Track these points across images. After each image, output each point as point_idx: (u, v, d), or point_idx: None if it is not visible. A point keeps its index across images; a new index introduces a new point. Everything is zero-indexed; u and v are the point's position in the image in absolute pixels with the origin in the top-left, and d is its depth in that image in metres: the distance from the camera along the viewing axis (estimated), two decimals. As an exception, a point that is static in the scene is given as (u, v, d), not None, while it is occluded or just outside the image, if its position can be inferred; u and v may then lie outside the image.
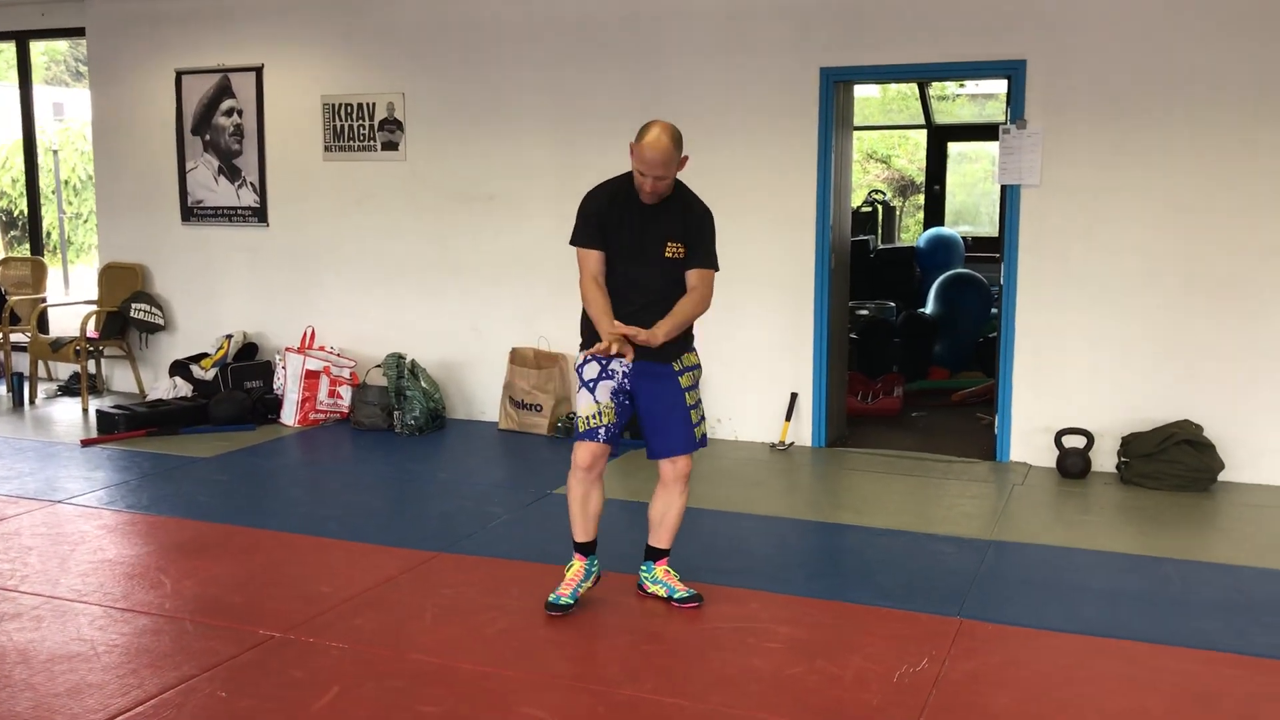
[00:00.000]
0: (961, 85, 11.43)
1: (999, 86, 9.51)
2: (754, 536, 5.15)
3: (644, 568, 4.30)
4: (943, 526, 5.20)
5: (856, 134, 7.67)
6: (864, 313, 8.89)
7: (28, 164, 9.26)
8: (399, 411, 7.08)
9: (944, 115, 11.23)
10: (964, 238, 10.07)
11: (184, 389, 7.61)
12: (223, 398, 7.31)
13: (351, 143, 7.62)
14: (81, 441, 6.83)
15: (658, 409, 4.09)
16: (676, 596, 4.20)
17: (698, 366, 4.19)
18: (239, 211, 8.04)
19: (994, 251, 6.93)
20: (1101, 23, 5.95)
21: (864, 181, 14.23)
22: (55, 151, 15.95)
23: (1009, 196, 6.25)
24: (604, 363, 4.01)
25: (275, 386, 7.54)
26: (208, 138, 8.06)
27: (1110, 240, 6.04)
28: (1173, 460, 5.74)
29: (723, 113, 6.66)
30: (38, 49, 11.23)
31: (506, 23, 7.13)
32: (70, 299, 12.53)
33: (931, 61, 6.34)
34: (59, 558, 4.74)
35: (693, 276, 4.01)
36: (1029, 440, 6.30)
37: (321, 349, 7.57)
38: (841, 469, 6.31)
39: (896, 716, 3.35)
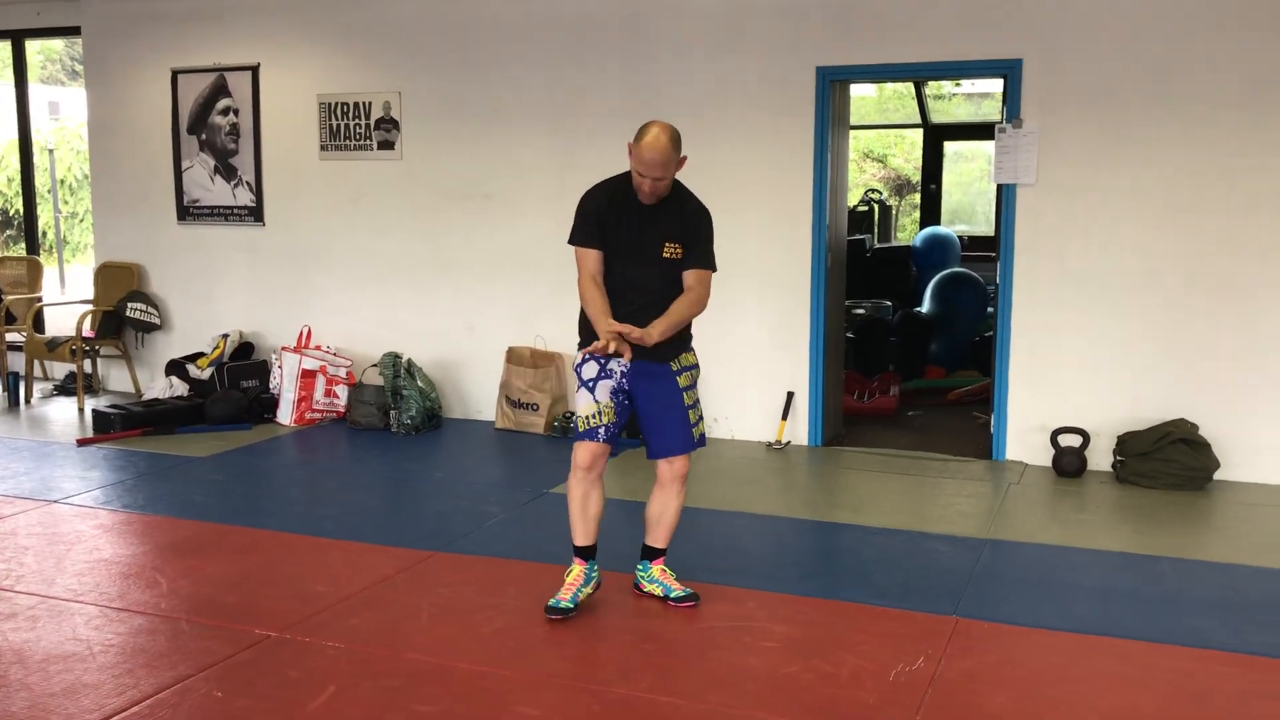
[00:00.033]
0: (957, 84, 11.44)
1: (995, 85, 9.52)
2: (750, 535, 5.16)
3: (640, 567, 4.30)
4: (939, 525, 5.21)
5: (853, 133, 7.67)
6: (860, 312, 8.90)
7: (23, 163, 9.25)
8: (395, 411, 7.08)
9: (940, 114, 11.24)
10: (960, 237, 10.08)
11: (180, 388, 7.61)
12: (219, 397, 7.30)
13: (348, 142, 7.62)
14: (77, 441, 6.82)
15: (655, 409, 4.09)
16: (673, 596, 4.20)
17: (696, 366, 4.19)
18: (235, 211, 8.03)
19: (990, 250, 6.94)
20: (1096, 22, 5.96)
21: (860, 180, 14.23)
22: (51, 151, 15.94)
23: (1005, 195, 6.26)
24: (602, 362, 4.00)
25: (271, 386, 7.54)
26: (204, 137, 8.06)
27: (1106, 239, 6.05)
28: (1168, 459, 5.74)
29: (719, 112, 6.67)
30: (33, 48, 11.21)
31: (503, 22, 7.13)
32: (66, 298, 12.52)
33: (927, 60, 6.34)
34: (55, 557, 4.74)
35: (689, 277, 4.01)
36: (1025, 439, 6.30)
37: (318, 348, 7.57)
38: (838, 468, 6.32)
39: (892, 715, 3.35)
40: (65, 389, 8.35)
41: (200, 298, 8.18)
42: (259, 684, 3.56)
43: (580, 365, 4.06)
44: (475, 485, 5.97)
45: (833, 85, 6.52)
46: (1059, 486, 5.90)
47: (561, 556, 4.55)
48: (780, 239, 6.63)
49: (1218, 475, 5.84)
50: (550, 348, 7.14)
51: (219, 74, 7.93)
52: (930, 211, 10.80)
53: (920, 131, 10.99)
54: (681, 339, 4.09)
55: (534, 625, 4.00)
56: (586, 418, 4.02)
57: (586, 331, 4.07)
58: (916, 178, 12.65)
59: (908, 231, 12.68)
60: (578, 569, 4.11)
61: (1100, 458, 6.10)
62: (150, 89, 8.15)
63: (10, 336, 8.49)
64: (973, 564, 4.67)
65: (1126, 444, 5.90)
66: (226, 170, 8.01)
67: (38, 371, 8.73)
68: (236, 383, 7.53)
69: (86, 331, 8.12)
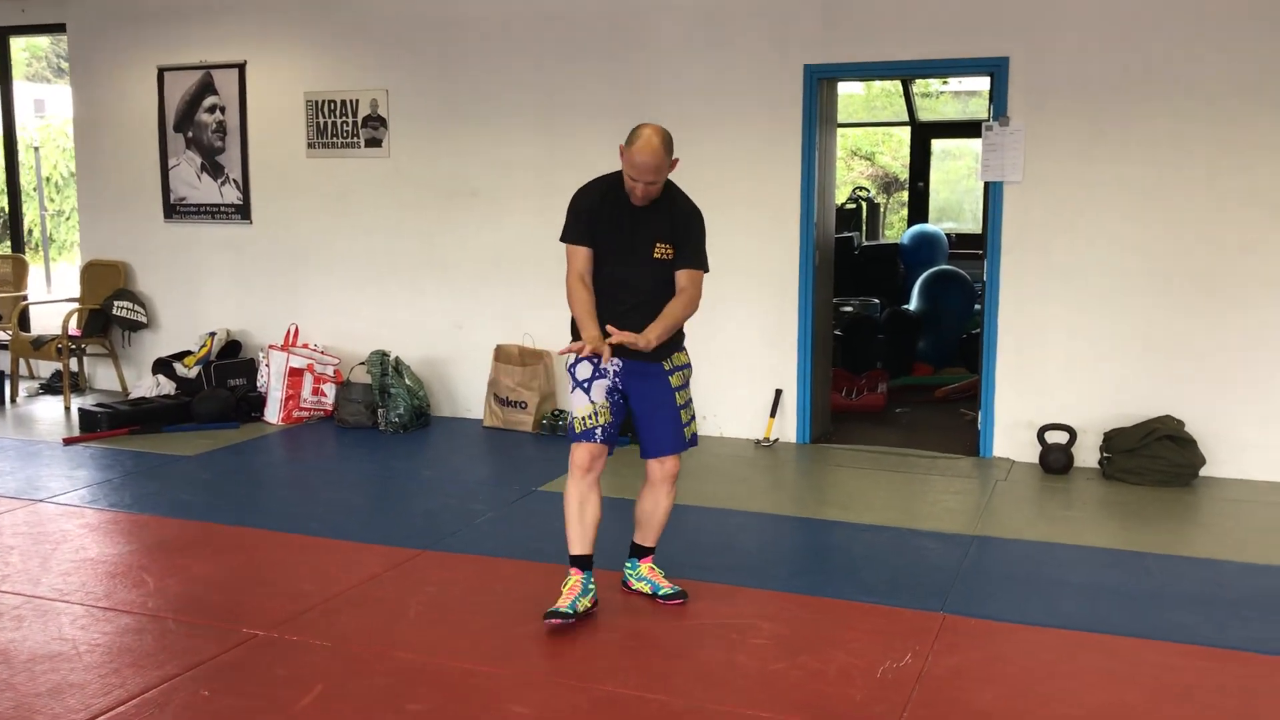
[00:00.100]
0: (945, 82, 11.47)
1: (982, 83, 9.53)
2: (739, 533, 5.16)
3: (629, 564, 4.30)
4: (926, 522, 5.22)
5: (840, 131, 7.69)
6: (848, 309, 8.91)
7: (8, 161, 9.21)
8: (383, 409, 7.07)
9: (927, 112, 11.26)
10: (947, 234, 10.11)
11: (167, 387, 7.58)
12: (206, 396, 7.28)
13: (335, 140, 7.60)
14: (64, 440, 6.80)
15: (647, 408, 4.07)
16: (661, 593, 4.20)
17: (688, 366, 4.18)
18: (222, 209, 8.01)
19: (977, 248, 6.96)
20: (1082, 21, 5.98)
21: (848, 178, 14.25)
22: (36, 148, 15.86)
23: (992, 193, 6.27)
24: (596, 362, 3.98)
25: (259, 384, 7.52)
26: (190, 135, 8.03)
27: (1092, 236, 6.07)
28: (1155, 456, 5.77)
29: (706, 109, 6.67)
30: (18, 45, 11.15)
31: (490, 19, 7.12)
32: (52, 297, 12.47)
33: (915, 59, 6.35)
34: (40, 557, 4.72)
35: (682, 277, 3.99)
36: (1012, 436, 6.32)
37: (305, 346, 7.55)
38: (826, 465, 6.33)
39: (880, 712, 3.36)
40: (51, 388, 8.31)
41: (187, 296, 8.16)
42: (246, 683, 3.55)
43: (574, 366, 4.03)
44: (463, 483, 5.96)
45: (820, 83, 6.53)
46: (1046, 483, 5.92)
47: (550, 554, 4.56)
48: (768, 236, 6.64)
49: (1203, 471, 5.86)
50: (538, 346, 7.14)
51: (205, 71, 7.90)
52: (918, 209, 10.82)
53: (908, 129, 11.01)
54: (674, 338, 4.08)
55: (522, 623, 3.99)
56: (583, 418, 3.99)
57: (578, 332, 4.06)
58: (904, 175, 12.67)
59: (895, 229, 12.70)
60: (574, 579, 4.01)
61: (1087, 454, 6.12)
62: (136, 86, 8.12)
63: (-4, 335, 8.46)
64: (960, 561, 4.68)
65: (1113, 440, 5.93)
66: (213, 168, 7.99)
67: (23, 370, 8.68)
68: (224, 381, 7.51)
69: (73, 330, 8.09)
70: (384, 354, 7.17)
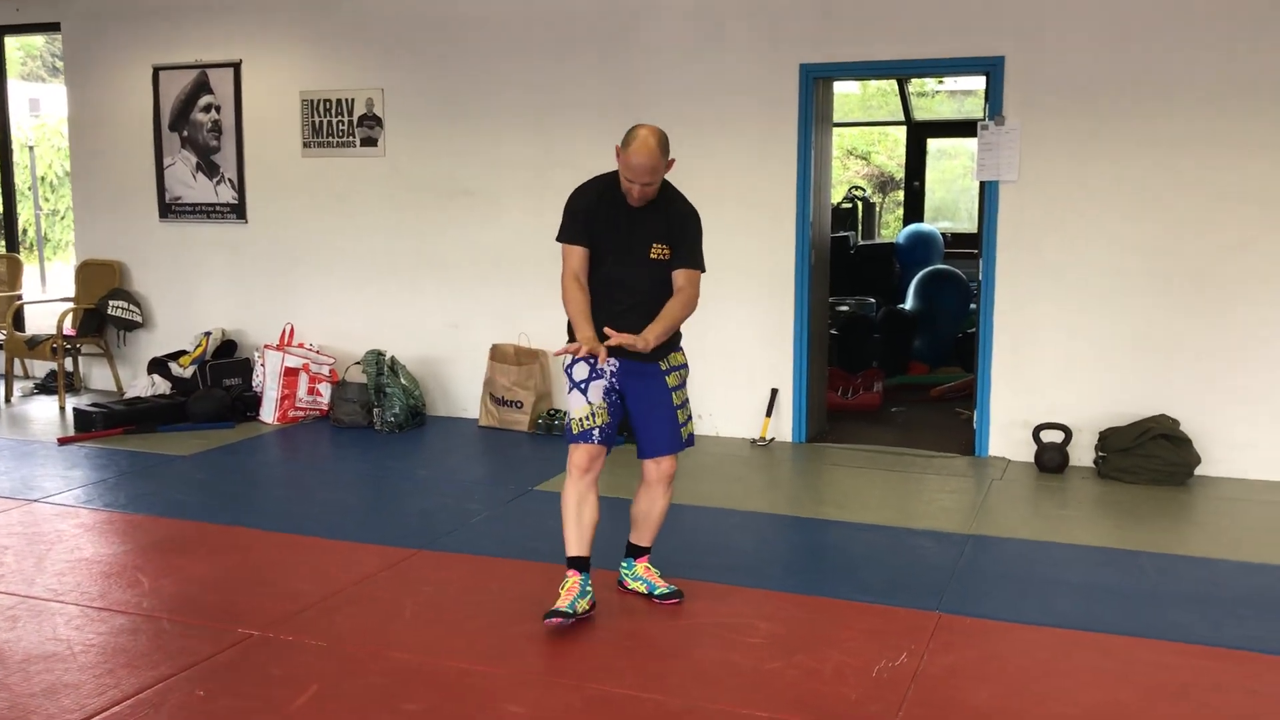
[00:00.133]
0: (940, 82, 11.47)
1: (977, 83, 9.54)
2: (735, 532, 5.16)
3: (624, 564, 4.30)
4: (922, 521, 5.23)
5: (836, 130, 7.69)
6: (844, 308, 8.92)
7: (3, 160, 9.18)
8: (379, 408, 7.06)
9: (923, 111, 11.26)
10: (943, 234, 10.11)
11: (162, 387, 7.57)
12: (201, 395, 7.27)
13: (330, 139, 7.59)
14: (58, 440, 6.79)
15: (643, 408, 4.06)
16: (657, 593, 4.19)
17: (685, 366, 4.17)
18: (217, 208, 8.00)
19: (973, 247, 6.96)
20: (1078, 20, 5.99)
21: (844, 178, 14.26)
22: (31, 148, 15.83)
23: (987, 193, 6.28)
24: (593, 362, 3.97)
25: (254, 384, 7.51)
26: (185, 134, 8.02)
27: (1088, 236, 6.08)
28: (1150, 455, 5.78)
29: (702, 109, 6.67)
30: (13, 44, 11.13)
31: (486, 18, 7.12)
32: (47, 296, 12.44)
33: (910, 58, 6.36)
34: (35, 557, 4.71)
35: (679, 277, 3.98)
36: (1007, 435, 6.33)
37: (301, 346, 7.54)
38: (822, 464, 6.33)
39: (875, 711, 3.36)
40: (46, 387, 8.30)
41: (182, 295, 8.15)
42: (241, 683, 3.55)
43: (571, 366, 4.02)
44: (459, 483, 5.96)
45: (816, 82, 6.53)
46: (1041, 482, 5.92)
47: (546, 554, 4.56)
48: (764, 236, 6.64)
49: (1199, 470, 5.87)
50: (534, 345, 7.13)
51: (201, 71, 7.89)
52: (913, 208, 10.83)
53: (903, 129, 11.01)
54: (671, 339, 4.07)
55: (518, 622, 3.99)
56: (580, 419, 3.97)
57: (575, 333, 4.04)
58: (900, 175, 12.68)
59: (891, 228, 12.71)
60: (572, 580, 3.97)
61: (1082, 453, 6.13)
62: (131, 86, 8.10)
63: (-10, 335, 8.44)
64: (956, 560, 4.69)
65: (1108, 440, 5.93)
66: (208, 167, 7.98)
67: (18, 370, 8.67)
68: (219, 381, 7.50)
69: (68, 330, 8.08)
70: (379, 353, 7.16)
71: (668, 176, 3.99)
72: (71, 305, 8.21)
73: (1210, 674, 3.64)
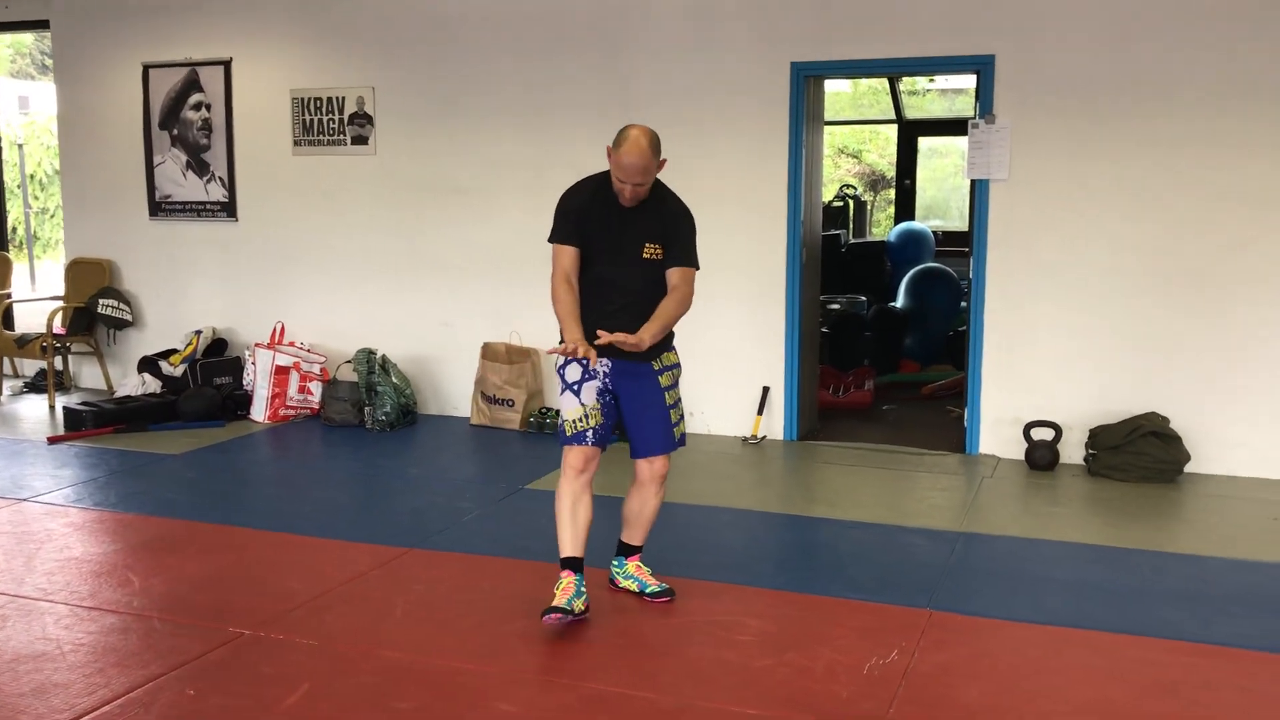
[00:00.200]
0: (931, 80, 11.49)
1: (968, 81, 9.56)
2: (726, 530, 5.17)
3: (615, 563, 4.30)
4: (913, 519, 5.24)
5: (827, 129, 7.69)
6: (835, 307, 8.92)
7: (-8, 158, 9.16)
8: (370, 407, 7.05)
9: (914, 110, 11.28)
10: (934, 232, 10.13)
11: (153, 385, 7.55)
12: (192, 394, 7.26)
13: (321, 137, 7.58)
14: (48, 439, 6.76)
15: (636, 408, 4.05)
16: (648, 591, 4.19)
17: (677, 365, 4.17)
18: (208, 206, 7.98)
19: (964, 246, 6.98)
20: (1068, 18, 6.00)
21: (835, 176, 14.28)
22: (20, 145, 15.78)
23: (978, 191, 6.29)
24: (585, 363, 3.96)
25: (245, 382, 7.50)
26: (175, 132, 7.99)
27: (1078, 234, 6.09)
28: (1140, 452, 5.79)
29: (694, 107, 6.67)
30: (2, 42, 11.09)
31: (476, 16, 7.11)
32: (37, 295, 12.41)
33: (901, 56, 6.36)
34: (24, 556, 4.69)
35: (674, 275, 3.97)
36: (998, 433, 6.34)
37: (292, 344, 7.53)
38: (813, 462, 6.34)
39: (866, 708, 3.37)
40: (36, 386, 8.27)
41: (173, 294, 8.12)
42: (232, 682, 3.54)
43: (563, 368, 4.01)
44: (450, 481, 5.95)
45: (807, 81, 6.53)
46: (1032, 480, 5.93)
47: (537, 552, 4.56)
48: (755, 234, 6.64)
49: (1188, 468, 5.89)
50: (526, 344, 7.13)
51: (191, 69, 7.87)
52: (904, 207, 10.84)
53: (894, 127, 11.03)
54: (664, 338, 4.06)
55: (510, 621, 3.99)
56: (573, 421, 3.96)
57: None
58: (891, 173, 12.69)
59: (882, 227, 12.73)
60: (566, 580, 3.95)
61: (1072, 451, 6.15)
62: (121, 83, 8.08)
63: (-21, 333, 8.41)
64: (946, 557, 4.70)
65: (1098, 437, 5.95)
66: (199, 166, 7.95)
67: (7, 369, 8.64)
68: (210, 379, 7.48)
69: (57, 328, 8.05)
70: (370, 352, 7.15)
71: (659, 175, 3.98)
72: (61, 304, 8.19)
73: (1200, 671, 3.65)
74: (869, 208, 12.46)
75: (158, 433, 6.93)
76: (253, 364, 7.40)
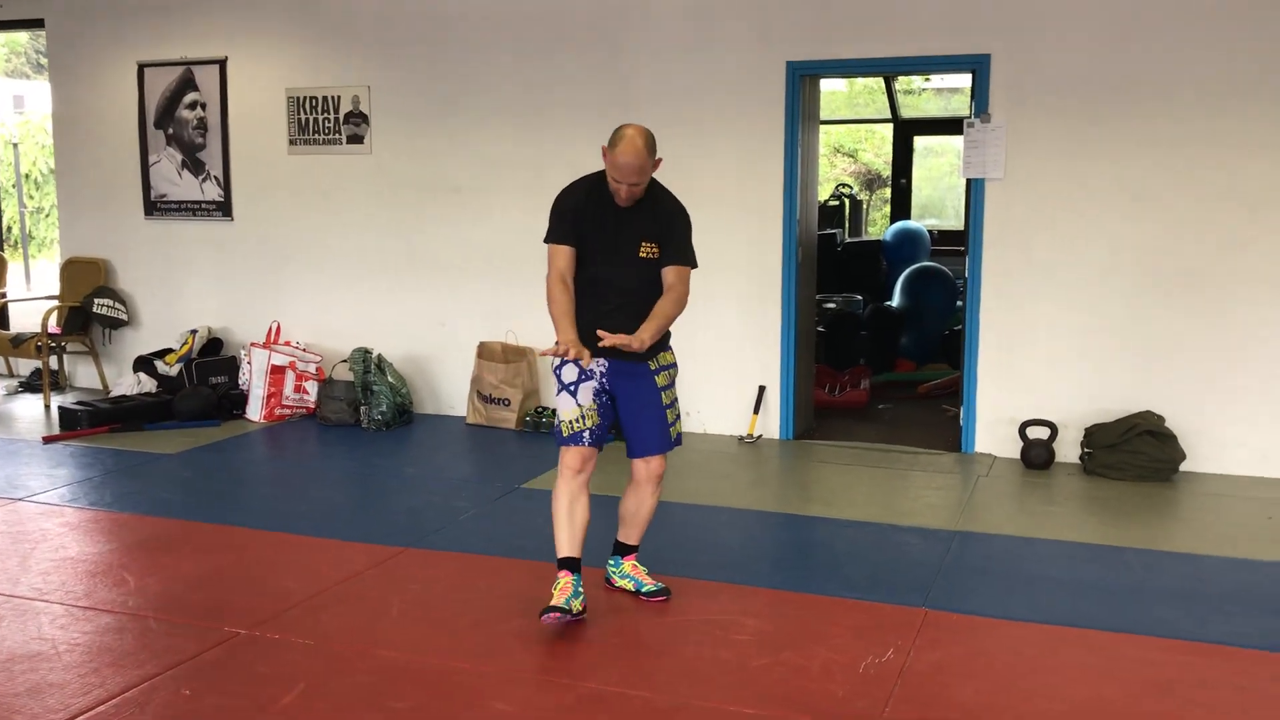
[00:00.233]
0: (927, 79, 11.50)
1: (964, 80, 9.56)
2: (722, 529, 5.17)
3: (611, 562, 4.30)
4: (909, 518, 5.24)
5: (823, 128, 7.69)
6: (831, 306, 8.93)
7: (-13, 157, 9.15)
8: (366, 406, 7.05)
9: (910, 109, 11.29)
10: (930, 231, 10.13)
11: (148, 385, 7.54)
12: (187, 393, 7.25)
13: (317, 136, 7.57)
14: (43, 438, 6.75)
15: (633, 408, 4.05)
16: (644, 590, 4.19)
17: (674, 365, 4.16)
18: (203, 205, 7.97)
19: (959, 245, 6.98)
20: (1063, 18, 6.00)
21: (831, 175, 14.28)
22: (15, 145, 15.76)
23: (974, 190, 6.29)
24: (579, 363, 3.95)
25: (240, 382, 7.49)
26: (171, 131, 7.98)
27: (1073, 233, 6.10)
28: (1135, 451, 5.80)
29: (690, 106, 6.67)
30: (-3, 41, 11.07)
31: (473, 15, 7.10)
32: (32, 294, 12.39)
33: (897, 56, 6.37)
34: (19, 556, 4.69)
35: (670, 274, 3.97)
36: (994, 432, 6.35)
37: (287, 344, 7.52)
38: (809, 461, 6.34)
39: (862, 707, 3.37)
40: (31, 386, 8.26)
41: (168, 293, 8.11)
42: (228, 682, 3.54)
43: (560, 368, 4.00)
44: (446, 481, 5.95)
45: (803, 80, 6.54)
46: (1027, 478, 5.94)
47: (533, 551, 4.56)
48: (751, 233, 6.64)
49: (1184, 467, 5.89)
50: (522, 343, 7.13)
51: (186, 67, 7.86)
52: (900, 206, 10.85)
53: (890, 126, 11.03)
54: (661, 338, 4.06)
55: (506, 620, 3.99)
56: (570, 422, 3.95)
57: None
58: (887, 172, 12.70)
59: (878, 226, 12.73)
60: (564, 580, 3.94)
61: (1068, 450, 6.15)
62: (116, 82, 8.07)
63: (-26, 333, 8.40)
64: (942, 556, 4.70)
65: (1094, 436, 5.95)
66: (194, 165, 7.94)
67: (3, 368, 8.63)
68: (205, 379, 7.47)
69: (53, 328, 8.04)
70: (366, 351, 7.15)
71: (654, 175, 3.98)
72: (56, 303, 8.18)
73: (1196, 670, 3.65)
74: (865, 207, 12.47)
75: (153, 432, 6.93)
76: (248, 363, 7.39)
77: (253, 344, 7.47)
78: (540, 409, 7.04)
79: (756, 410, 6.72)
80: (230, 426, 7.12)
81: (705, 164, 6.61)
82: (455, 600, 4.20)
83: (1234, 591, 4.33)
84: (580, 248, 3.95)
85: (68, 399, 7.66)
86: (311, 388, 7.35)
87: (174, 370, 7.52)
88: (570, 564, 3.97)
